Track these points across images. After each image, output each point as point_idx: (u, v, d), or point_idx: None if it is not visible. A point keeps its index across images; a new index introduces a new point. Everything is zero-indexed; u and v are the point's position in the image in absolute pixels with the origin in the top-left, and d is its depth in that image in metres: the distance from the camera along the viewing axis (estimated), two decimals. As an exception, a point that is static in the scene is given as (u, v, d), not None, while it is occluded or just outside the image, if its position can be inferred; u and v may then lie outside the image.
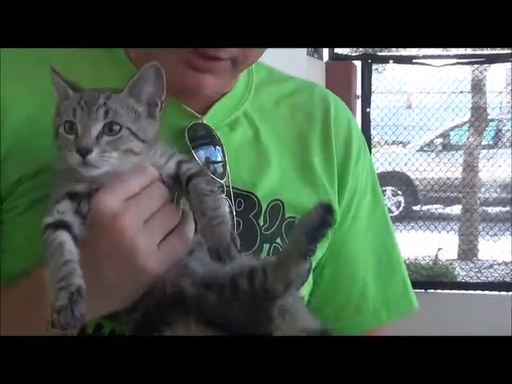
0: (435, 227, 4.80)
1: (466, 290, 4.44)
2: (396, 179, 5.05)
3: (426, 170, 4.79)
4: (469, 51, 4.53)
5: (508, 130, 4.97)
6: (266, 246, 1.09)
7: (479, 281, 4.56)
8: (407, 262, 4.35)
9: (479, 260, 4.83)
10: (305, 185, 1.16)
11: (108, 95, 0.91)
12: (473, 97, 4.79)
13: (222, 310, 0.92)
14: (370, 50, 4.37)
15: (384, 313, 1.23)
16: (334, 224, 1.18)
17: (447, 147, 5.13)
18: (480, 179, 4.85)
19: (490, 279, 4.57)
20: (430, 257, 4.72)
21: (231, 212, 1.07)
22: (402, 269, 1.26)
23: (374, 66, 4.40)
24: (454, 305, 4.11)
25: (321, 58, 4.32)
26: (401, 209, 5.30)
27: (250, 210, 1.10)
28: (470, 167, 4.80)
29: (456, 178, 4.85)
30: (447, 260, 4.77)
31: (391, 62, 4.49)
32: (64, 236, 0.91)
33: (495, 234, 4.79)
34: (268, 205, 1.12)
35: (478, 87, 4.78)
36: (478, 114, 4.78)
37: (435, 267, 4.70)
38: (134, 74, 0.99)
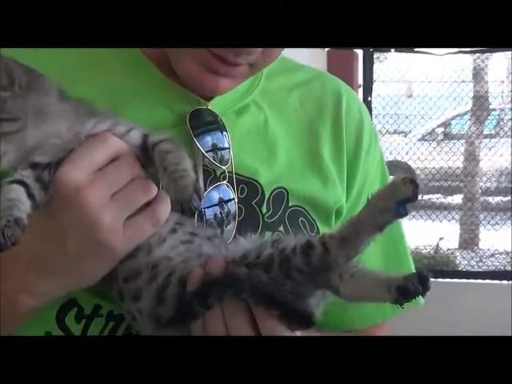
0: (436, 216, 4.78)
1: (467, 278, 4.42)
2: (397, 169, 5.03)
3: (428, 159, 4.77)
4: (470, 40, 4.49)
5: (509, 120, 4.94)
6: (268, 234, 1.09)
7: (480, 270, 4.56)
8: (408, 251, 4.33)
9: (480, 249, 4.82)
10: (312, 174, 1.15)
11: None
12: (474, 86, 4.76)
13: (270, 286, 0.91)
14: (371, 39, 4.34)
15: (388, 308, 1.22)
16: (339, 215, 1.18)
17: (448, 136, 5.11)
18: (481, 168, 4.83)
19: (491, 268, 4.56)
20: (431, 246, 4.71)
21: (233, 198, 1.07)
22: (409, 261, 1.26)
23: (376, 55, 4.38)
24: (455, 294, 4.10)
25: (322, 46, 4.30)
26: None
27: (252, 196, 1.10)
28: (472, 156, 4.78)
29: (457, 168, 4.83)
30: (448, 249, 4.76)
31: (393, 50, 4.47)
32: (19, 190, 0.90)
33: (496, 224, 4.78)
34: (271, 192, 1.11)
35: (479, 76, 4.76)
36: (480, 104, 4.76)
37: (436, 256, 4.69)
38: (142, 65, 1.00)
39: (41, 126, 0.92)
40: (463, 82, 4.75)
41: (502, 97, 5.04)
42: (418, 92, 4.98)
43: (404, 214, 0.85)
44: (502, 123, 5.06)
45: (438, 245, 4.76)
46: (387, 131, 4.77)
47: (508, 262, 4.62)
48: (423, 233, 4.69)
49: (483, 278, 4.43)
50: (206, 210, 1.05)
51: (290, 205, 1.13)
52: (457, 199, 4.99)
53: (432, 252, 4.74)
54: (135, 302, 0.97)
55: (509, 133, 4.92)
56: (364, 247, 0.90)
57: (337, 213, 1.18)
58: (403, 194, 0.85)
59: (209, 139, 1.08)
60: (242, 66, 1.05)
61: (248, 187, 1.10)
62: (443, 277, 4.41)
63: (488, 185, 4.93)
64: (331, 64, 3.92)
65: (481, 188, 4.89)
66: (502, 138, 4.92)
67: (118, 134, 0.96)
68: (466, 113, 4.97)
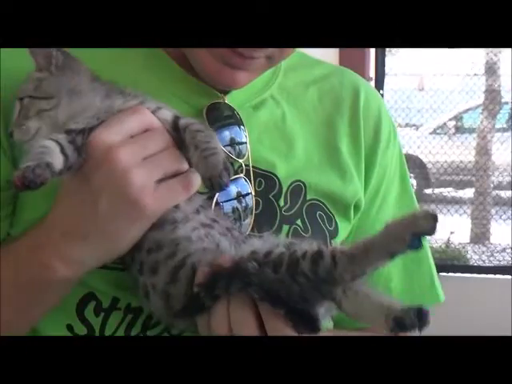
0: (448, 210, 4.76)
1: (479, 273, 4.40)
2: (409, 162, 5.02)
3: (439, 152, 4.75)
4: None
5: (522, 114, 4.93)
6: (286, 227, 1.09)
7: (491, 264, 4.54)
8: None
9: (492, 244, 4.80)
10: (330, 168, 1.15)
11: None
12: (487, 80, 4.74)
13: (277, 284, 0.91)
14: (384, 32, 4.32)
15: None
16: (358, 209, 1.17)
17: (460, 130, 5.09)
18: (493, 162, 4.81)
19: (502, 263, 4.54)
20: (442, 240, 4.69)
21: (250, 192, 1.07)
22: (429, 260, 1.26)
23: (388, 48, 4.36)
24: (466, 288, 4.09)
25: (334, 39, 4.28)
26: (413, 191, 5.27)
27: (270, 190, 1.09)
28: (483, 150, 4.76)
29: (469, 162, 4.81)
30: (459, 243, 4.74)
31: (405, 43, 4.44)
32: (53, 144, 0.93)
33: (508, 218, 4.76)
34: (289, 186, 1.11)
35: (491, 70, 4.74)
36: (492, 97, 4.73)
37: (447, 250, 4.68)
38: (160, 59, 1.01)
39: (74, 103, 0.97)
40: (475, 75, 4.73)
41: (515, 90, 5.02)
42: (429, 85, 4.96)
43: (417, 247, 0.85)
44: (514, 117, 5.04)
45: (449, 239, 4.75)
46: (399, 124, 4.75)
47: (519, 257, 4.61)
48: (434, 227, 4.67)
49: (494, 273, 4.42)
50: (224, 203, 1.05)
51: (307, 198, 1.13)
52: (468, 193, 4.97)
53: (443, 246, 4.72)
54: (152, 275, 0.97)
55: (521, 127, 4.90)
56: (372, 270, 0.90)
57: (355, 207, 1.17)
58: (422, 228, 0.85)
59: (227, 134, 1.08)
60: (258, 59, 1.05)
61: (265, 180, 1.10)
62: (454, 271, 4.40)
63: (500, 179, 4.91)
64: (343, 57, 3.90)
65: (492, 182, 4.87)
66: (514, 131, 4.90)
67: (149, 109, 0.98)
68: (477, 106, 4.95)
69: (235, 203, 1.06)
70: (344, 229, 1.16)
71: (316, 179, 1.13)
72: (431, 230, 0.85)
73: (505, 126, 4.96)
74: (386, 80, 4.38)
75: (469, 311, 3.83)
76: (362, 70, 4.05)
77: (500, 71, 4.77)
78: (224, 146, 1.06)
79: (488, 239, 4.84)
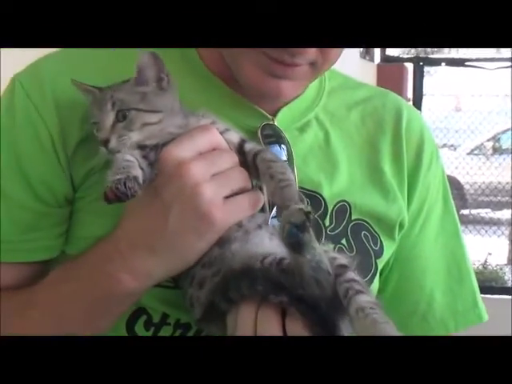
0: (485, 231, 4.74)
1: (517, 295, 4.37)
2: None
3: (477, 173, 4.74)
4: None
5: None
6: (331, 247, 1.09)
7: (530, 286, 4.51)
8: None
9: (530, 265, 4.77)
10: (374, 188, 1.15)
11: (115, 88, 0.99)
12: (525, 100, 4.71)
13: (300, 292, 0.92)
14: (422, 53, 4.33)
15: (451, 324, 1.21)
16: (402, 228, 1.18)
17: (498, 151, 5.06)
18: (531, 183, 4.78)
19: (540, 285, 4.51)
20: (479, 261, 4.66)
21: None
22: (472, 280, 1.25)
23: (426, 69, 4.36)
24: (504, 310, 4.06)
25: (372, 59, 4.30)
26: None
27: (315, 209, 1.10)
28: (522, 171, 4.73)
29: (507, 183, 4.78)
30: (497, 265, 4.71)
31: (443, 64, 4.44)
32: (131, 157, 0.96)
33: (546, 239, 4.73)
34: (334, 206, 1.12)
35: (530, 90, 4.71)
36: (530, 118, 4.71)
37: (485, 272, 4.65)
38: (209, 80, 1.04)
39: (168, 121, 1.00)
40: (514, 96, 4.70)
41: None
42: (467, 106, 4.95)
43: (295, 236, 0.89)
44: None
45: (486, 260, 4.72)
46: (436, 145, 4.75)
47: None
48: (472, 248, 4.63)
49: (532, 295, 4.38)
50: (271, 219, 1.06)
51: (352, 218, 1.13)
52: (506, 214, 4.94)
53: (480, 267, 4.69)
54: (199, 289, 0.99)
55: (560, 148, 4.86)
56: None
57: (400, 226, 1.18)
58: (295, 220, 0.89)
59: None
60: (301, 67, 1.05)
61: (311, 200, 1.10)
62: (492, 293, 4.36)
63: (538, 200, 4.87)
64: (381, 77, 3.92)
65: (531, 203, 4.83)
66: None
67: (218, 130, 1.01)
68: (515, 127, 4.92)
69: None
70: (389, 248, 1.16)
71: (360, 199, 1.14)
72: (303, 224, 0.89)
73: (543, 146, 4.93)
74: (424, 101, 4.38)
75: (506, 333, 3.79)
76: (399, 91, 4.05)
77: (539, 92, 4.74)
78: None
79: (526, 261, 4.80)
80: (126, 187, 0.90)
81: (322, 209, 1.11)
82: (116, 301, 1.01)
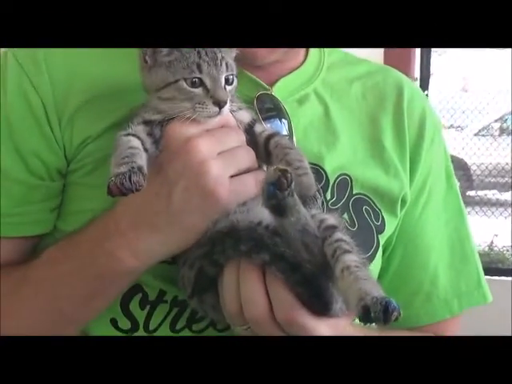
0: (492, 213, 4.72)
1: (522, 277, 4.35)
2: (452, 164, 4.97)
3: (484, 154, 4.71)
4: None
5: None
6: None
7: (536, 268, 4.48)
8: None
9: (537, 246, 4.74)
10: (375, 163, 1.15)
11: (223, 51, 0.97)
12: (534, 81, 4.68)
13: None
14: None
15: (455, 304, 1.21)
16: (404, 204, 1.16)
17: (505, 131, 5.03)
18: (539, 164, 4.75)
19: (547, 266, 4.49)
20: (485, 243, 4.64)
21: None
22: (476, 260, 1.24)
23: (434, 49, 4.33)
24: (510, 291, 4.04)
25: (379, 39, 4.25)
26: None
27: (317, 183, 1.09)
28: (529, 152, 4.71)
29: (514, 164, 4.76)
30: (503, 246, 4.69)
31: (451, 44, 4.40)
32: (135, 141, 0.94)
33: (554, 221, 4.70)
34: (336, 179, 1.11)
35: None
36: (539, 98, 4.67)
37: (491, 253, 4.63)
38: None
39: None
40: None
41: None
42: (474, 86, 4.91)
43: (272, 194, 0.89)
44: (560, 118, 4.96)
45: (492, 242, 4.70)
46: (443, 126, 4.71)
47: None
48: (478, 229, 4.63)
49: (539, 277, 4.35)
50: None
51: (354, 192, 1.13)
52: (513, 196, 4.92)
53: (486, 249, 4.67)
54: (190, 270, 0.98)
55: None
56: None
57: (402, 202, 1.17)
58: (272, 178, 0.90)
59: (267, 127, 1.08)
60: None
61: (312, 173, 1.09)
62: (498, 274, 4.34)
63: (545, 181, 4.84)
64: (388, 57, 3.88)
65: (538, 184, 4.80)
66: (560, 133, 4.84)
67: (230, 109, 1.00)
68: (523, 108, 4.88)
69: None
70: (391, 223, 1.16)
71: (361, 173, 1.14)
72: (279, 181, 0.88)
73: (551, 127, 4.90)
74: (431, 81, 4.35)
75: (505, 314, 3.78)
76: (407, 71, 4.03)
77: (547, 72, 4.71)
78: None
79: (533, 242, 4.78)
80: (131, 182, 0.88)
81: (324, 182, 1.10)
82: (114, 280, 0.99)
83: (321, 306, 0.92)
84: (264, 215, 0.95)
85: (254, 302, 0.92)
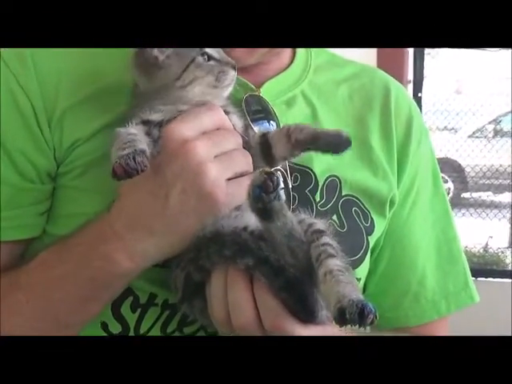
0: (486, 215, 4.73)
1: (517, 278, 4.36)
2: (446, 166, 4.98)
3: (478, 156, 4.71)
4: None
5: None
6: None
7: (531, 269, 4.49)
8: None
9: (531, 248, 4.75)
10: (363, 164, 1.15)
11: None
12: (528, 83, 4.68)
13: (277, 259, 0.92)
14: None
15: (443, 304, 1.21)
16: (393, 205, 1.17)
17: (499, 133, 5.04)
18: (533, 166, 4.76)
19: (542, 268, 4.50)
20: (480, 244, 4.65)
21: (287, 187, 1.07)
22: (463, 261, 1.25)
23: (427, 51, 4.33)
24: (505, 293, 4.05)
25: (372, 41, 4.25)
26: (450, 195, 5.23)
27: (306, 185, 1.10)
28: (523, 154, 4.71)
29: (508, 165, 4.76)
30: (498, 248, 4.70)
31: (444, 45, 4.40)
32: (134, 131, 0.94)
33: (548, 222, 4.71)
34: (325, 181, 1.11)
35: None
36: (532, 100, 4.68)
37: (486, 255, 4.64)
38: None
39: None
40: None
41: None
42: (468, 88, 4.92)
43: (257, 196, 0.90)
44: (555, 120, 4.97)
45: (487, 243, 4.71)
46: (437, 128, 4.72)
47: (559, 262, 4.55)
48: (473, 231, 4.64)
49: (533, 278, 4.36)
50: None
51: (343, 194, 1.13)
52: (507, 197, 4.92)
53: (481, 251, 4.68)
54: (181, 272, 0.98)
55: (562, 130, 4.84)
56: None
57: (391, 203, 1.17)
58: (258, 181, 0.90)
59: (256, 129, 1.08)
60: None
61: (301, 175, 1.10)
62: (493, 276, 4.35)
63: (540, 183, 4.85)
64: (381, 59, 3.88)
65: (532, 186, 4.81)
66: (554, 135, 4.84)
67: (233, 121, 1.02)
68: (517, 109, 4.89)
69: None
70: (380, 225, 1.16)
71: (351, 175, 1.14)
72: (265, 183, 0.88)
73: (545, 129, 4.90)
74: (425, 83, 4.36)
75: (507, 316, 3.78)
76: (400, 73, 4.03)
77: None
78: None
79: (527, 244, 4.79)
80: (135, 162, 0.88)
81: (313, 184, 1.10)
82: (109, 283, 0.99)
83: (306, 313, 0.92)
84: (250, 221, 0.95)
85: (241, 309, 0.92)
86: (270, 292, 0.91)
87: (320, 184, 1.11)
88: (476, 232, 4.67)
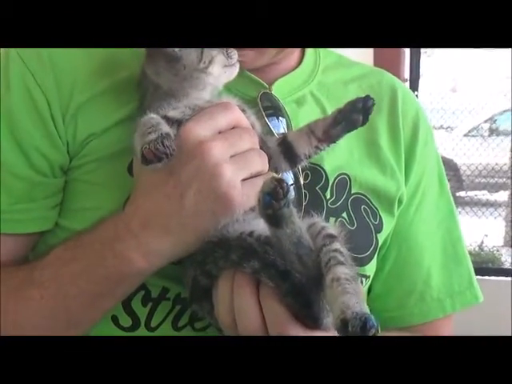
0: (482, 213, 4.74)
1: (512, 276, 4.37)
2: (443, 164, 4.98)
3: (474, 155, 4.73)
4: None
5: (558, 116, 4.88)
6: (332, 220, 1.10)
7: (526, 268, 4.51)
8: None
9: (526, 247, 4.76)
10: (371, 163, 1.16)
11: None
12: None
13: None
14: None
15: (448, 303, 1.22)
16: (401, 204, 1.18)
17: (495, 132, 5.05)
18: (528, 165, 4.77)
19: (537, 266, 4.51)
20: (476, 243, 4.66)
21: (298, 184, 1.08)
22: (468, 261, 1.26)
23: (423, 49, 4.34)
24: (501, 291, 4.06)
25: (369, 40, 4.26)
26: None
27: (316, 182, 1.10)
28: (518, 153, 4.73)
29: (504, 164, 4.78)
30: (493, 246, 4.71)
31: (440, 44, 4.41)
32: (156, 116, 0.95)
33: (543, 221, 4.72)
34: (335, 178, 1.12)
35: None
36: (528, 99, 4.69)
37: (482, 253, 4.65)
38: None
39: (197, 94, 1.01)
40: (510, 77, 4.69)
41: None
42: (463, 87, 4.93)
43: (268, 203, 0.89)
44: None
45: (482, 242, 4.72)
46: (433, 126, 4.73)
47: (554, 261, 4.57)
48: (468, 229, 4.65)
49: (528, 276, 4.37)
50: None
51: (352, 192, 1.14)
52: (503, 196, 4.94)
53: (477, 249, 4.69)
54: (193, 271, 0.98)
55: (557, 129, 4.85)
56: None
57: (399, 201, 1.18)
58: (268, 188, 0.89)
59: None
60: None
61: (312, 173, 1.11)
62: (488, 274, 4.36)
63: (535, 181, 4.86)
64: (378, 58, 3.89)
65: (527, 185, 4.83)
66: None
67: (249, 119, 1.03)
68: (512, 108, 4.91)
69: None
70: (388, 223, 1.17)
71: (360, 173, 1.15)
72: (275, 191, 0.88)
73: (541, 128, 4.91)
74: (421, 82, 4.36)
75: (503, 314, 3.80)
76: (396, 72, 4.04)
77: (536, 73, 4.72)
78: None
79: (522, 242, 4.80)
80: (164, 146, 0.88)
81: (323, 181, 1.11)
82: (123, 281, 0.99)
83: (311, 319, 0.92)
84: (256, 226, 0.95)
85: (247, 315, 0.93)
86: (275, 298, 0.92)
87: (330, 181, 1.12)
88: (471, 230, 4.68)
